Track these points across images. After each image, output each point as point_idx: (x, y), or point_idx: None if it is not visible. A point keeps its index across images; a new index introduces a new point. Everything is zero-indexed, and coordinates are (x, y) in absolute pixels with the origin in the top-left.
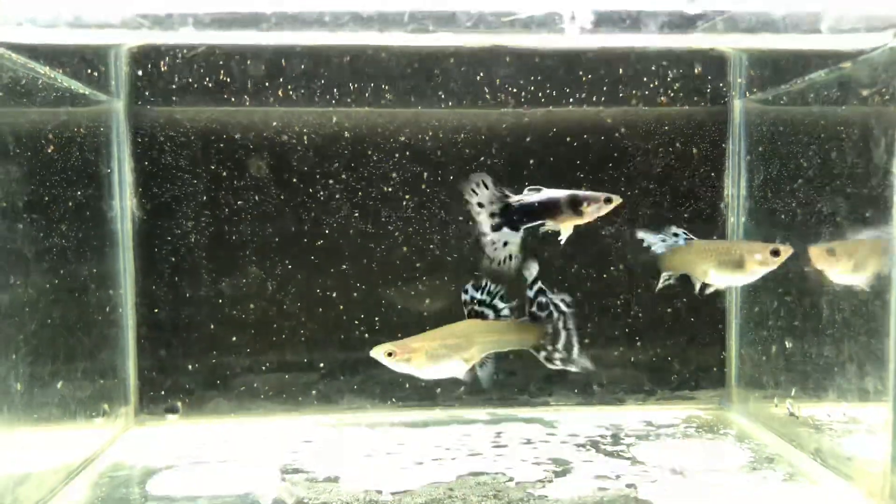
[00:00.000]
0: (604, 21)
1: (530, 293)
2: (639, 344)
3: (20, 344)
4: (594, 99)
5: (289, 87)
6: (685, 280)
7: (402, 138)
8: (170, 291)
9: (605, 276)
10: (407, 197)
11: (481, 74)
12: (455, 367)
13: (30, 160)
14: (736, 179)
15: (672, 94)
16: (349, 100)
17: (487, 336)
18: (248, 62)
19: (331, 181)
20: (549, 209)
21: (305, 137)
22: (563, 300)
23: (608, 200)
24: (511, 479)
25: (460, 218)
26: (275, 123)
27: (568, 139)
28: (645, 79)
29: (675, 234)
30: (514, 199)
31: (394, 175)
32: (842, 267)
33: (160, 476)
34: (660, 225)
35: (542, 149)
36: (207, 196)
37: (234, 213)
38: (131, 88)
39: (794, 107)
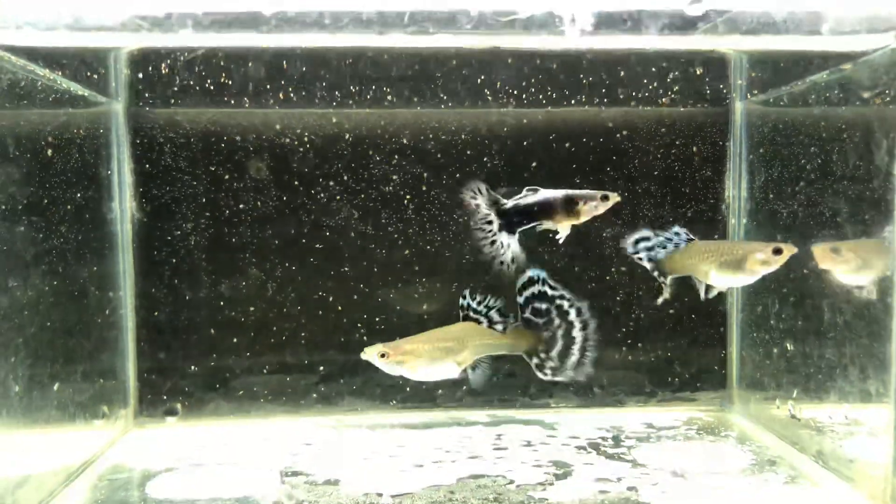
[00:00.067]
0: (604, 23)
1: (520, 299)
2: (639, 345)
3: (19, 346)
4: (594, 100)
5: (289, 88)
6: (686, 283)
7: (402, 140)
8: (169, 293)
9: (605, 277)
10: (407, 199)
11: (482, 76)
12: (448, 370)
13: (29, 162)
14: (737, 181)
15: (673, 96)
16: (349, 101)
17: (480, 339)
18: (249, 64)
19: (331, 183)
20: (546, 210)
21: (305, 139)
22: (577, 309)
23: (605, 198)
24: (511, 482)
25: (461, 220)
26: (274, 125)
27: (569, 141)
28: (646, 80)
29: (677, 234)
30: (510, 203)
31: (394, 177)
32: (847, 266)
33: (160, 478)
34: (660, 226)
35: (543, 150)
36: (207, 198)
37: (233, 215)
38: (131, 90)
39: (796, 108)
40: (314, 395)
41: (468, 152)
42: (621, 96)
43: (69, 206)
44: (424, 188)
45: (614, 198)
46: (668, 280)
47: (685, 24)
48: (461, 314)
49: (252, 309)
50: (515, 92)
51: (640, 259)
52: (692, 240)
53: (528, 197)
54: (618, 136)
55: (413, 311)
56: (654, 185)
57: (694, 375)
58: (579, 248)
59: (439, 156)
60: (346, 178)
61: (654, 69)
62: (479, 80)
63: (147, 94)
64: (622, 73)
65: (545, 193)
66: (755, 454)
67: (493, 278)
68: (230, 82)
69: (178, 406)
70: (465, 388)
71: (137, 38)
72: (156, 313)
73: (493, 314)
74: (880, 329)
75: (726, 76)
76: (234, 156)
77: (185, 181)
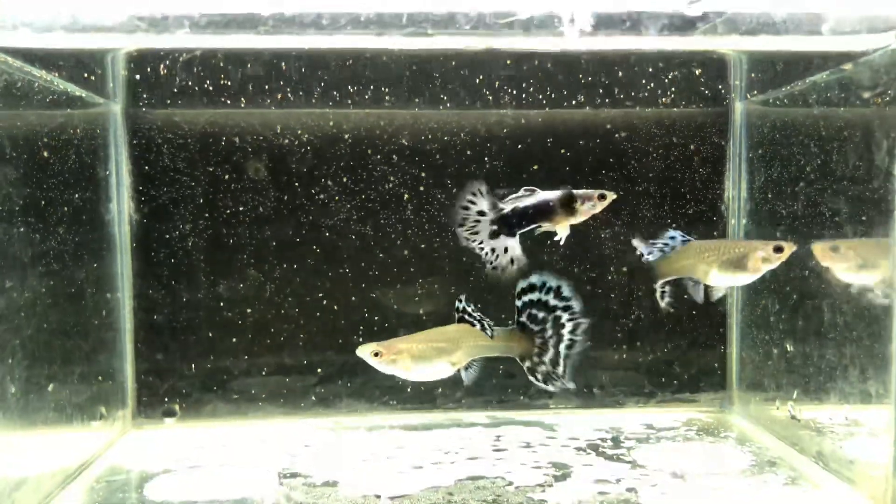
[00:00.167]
0: (603, 23)
1: (518, 303)
2: (639, 346)
3: (17, 348)
4: (594, 101)
5: (287, 89)
6: (680, 285)
7: (401, 141)
8: (167, 294)
9: (605, 277)
10: (406, 200)
11: (482, 77)
12: (441, 370)
13: (26, 163)
14: (737, 181)
15: (673, 97)
16: (347, 102)
17: (474, 341)
18: (247, 65)
19: (329, 184)
20: (543, 211)
21: (303, 140)
22: (575, 324)
23: (602, 197)
24: (510, 483)
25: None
26: (272, 126)
27: (568, 141)
28: (645, 81)
29: (672, 238)
30: (508, 205)
31: (392, 178)
32: (847, 264)
33: (158, 480)
34: (660, 226)
35: (542, 151)
36: (205, 199)
37: (232, 216)
38: (129, 91)
39: (795, 108)
40: (312, 396)
41: (467, 153)
42: (621, 97)
43: (67, 208)
44: (423, 189)
45: (611, 196)
46: (661, 284)
47: (684, 25)
48: (456, 316)
49: (250, 310)
50: (514, 93)
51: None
52: (688, 241)
53: (525, 198)
54: (617, 136)
55: (411, 312)
56: (653, 186)
57: (694, 376)
58: (578, 248)
59: (438, 156)
60: (344, 179)
61: (653, 70)
62: (477, 81)
63: (145, 95)
64: (622, 74)
65: (543, 195)
66: (755, 455)
67: (490, 280)
68: (228, 83)
69: (177, 407)
70: (464, 389)
71: (135, 39)
72: (154, 314)
73: (486, 323)
74: (880, 330)
75: (726, 76)
76: (233, 157)
77: (183, 182)
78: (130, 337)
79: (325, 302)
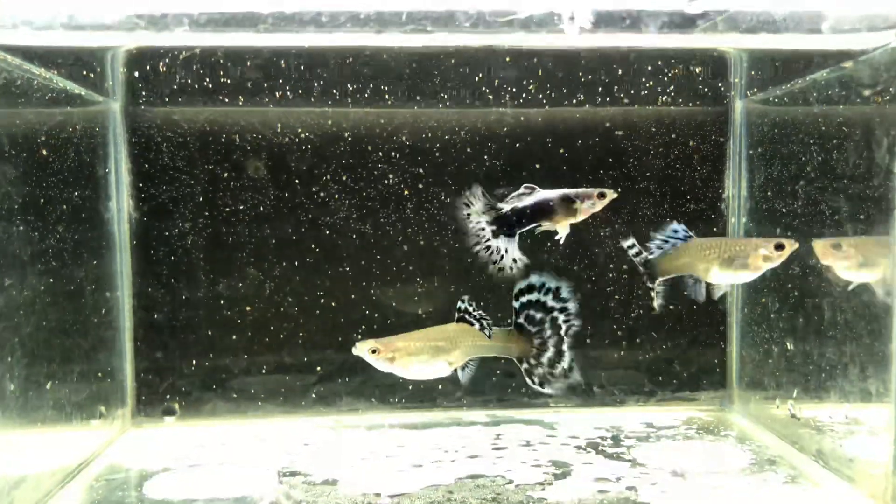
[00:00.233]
0: (603, 21)
1: (516, 304)
2: (639, 345)
3: (16, 346)
4: (594, 100)
5: (286, 87)
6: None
7: (401, 139)
8: (167, 293)
9: (605, 276)
10: (405, 198)
11: (481, 75)
12: (439, 369)
13: (26, 162)
14: (737, 180)
15: (673, 95)
16: (347, 100)
17: (472, 341)
18: (246, 63)
19: (328, 182)
20: (543, 210)
21: (303, 138)
22: (570, 326)
23: (601, 196)
24: (510, 482)
25: (456, 223)
26: (272, 124)
27: (568, 140)
28: (645, 79)
29: (675, 231)
30: (507, 206)
31: (392, 176)
32: (848, 262)
33: (157, 478)
34: (660, 225)
35: (542, 149)
36: (204, 197)
37: (231, 214)
38: (128, 89)
39: (796, 107)
40: (312, 394)
41: (467, 151)
42: (621, 95)
43: (66, 206)
44: (423, 187)
45: (611, 195)
46: (658, 283)
47: (685, 23)
48: (457, 316)
49: (250, 308)
50: (514, 91)
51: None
52: (690, 237)
53: (525, 198)
54: (617, 134)
55: (411, 311)
56: (653, 184)
57: (694, 375)
58: (578, 247)
59: (438, 155)
60: (344, 177)
61: (654, 68)
62: (477, 79)
63: (144, 94)
64: (622, 73)
65: (542, 194)
66: (755, 454)
67: (489, 281)
68: (228, 81)
69: (176, 406)
70: (464, 387)
71: (134, 37)
72: (153, 313)
73: (486, 323)
74: (880, 328)
75: (726, 75)
76: (232, 155)
77: (183, 180)
78: (130, 335)
79: (324, 300)
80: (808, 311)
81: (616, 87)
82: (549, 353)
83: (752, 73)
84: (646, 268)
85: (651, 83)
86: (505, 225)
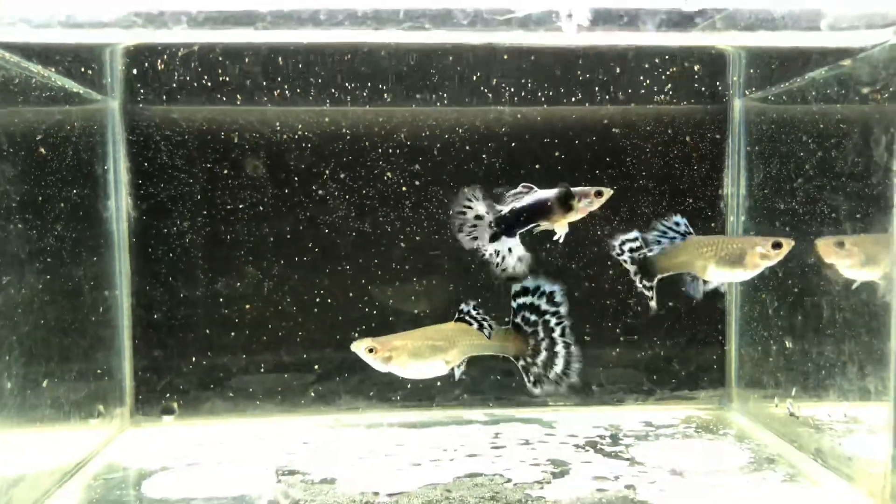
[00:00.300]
0: (601, 19)
1: (514, 304)
2: (638, 343)
3: (14, 345)
4: (592, 98)
5: (284, 85)
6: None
7: (400, 137)
8: (165, 292)
9: (603, 274)
10: (404, 196)
11: (479, 73)
12: (436, 368)
13: (24, 160)
14: (735, 178)
15: (671, 94)
16: (346, 99)
17: (470, 340)
18: (244, 61)
19: (327, 180)
20: (541, 210)
21: (301, 137)
22: (563, 329)
23: (599, 194)
24: (509, 481)
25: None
26: (271, 123)
27: (567, 138)
28: (644, 77)
29: (676, 224)
30: (505, 206)
31: (390, 174)
32: (852, 260)
33: (155, 477)
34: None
35: (541, 148)
36: (203, 196)
37: (230, 212)
38: (126, 87)
39: (794, 105)
40: (311, 393)
41: (466, 149)
42: (619, 94)
43: (64, 204)
44: (421, 186)
45: (608, 193)
46: (654, 283)
47: (683, 21)
48: (456, 315)
49: (248, 307)
50: (512, 89)
51: (626, 262)
52: (690, 233)
53: (523, 198)
54: (616, 133)
55: (410, 310)
56: (652, 183)
57: (692, 373)
58: (577, 245)
59: (436, 153)
60: (342, 175)
61: (652, 67)
62: (475, 78)
63: (143, 92)
64: (620, 71)
65: (539, 193)
66: (754, 452)
67: (488, 280)
68: (226, 79)
69: (175, 405)
70: (462, 386)
71: (132, 34)
72: (152, 312)
73: (486, 325)
74: (879, 326)
75: (725, 73)
76: (231, 153)
77: (181, 179)
78: (128, 334)
79: (323, 299)
80: (807, 310)
81: (614, 85)
82: (545, 353)
83: (751, 71)
84: (642, 265)
85: (650, 82)
86: (504, 226)
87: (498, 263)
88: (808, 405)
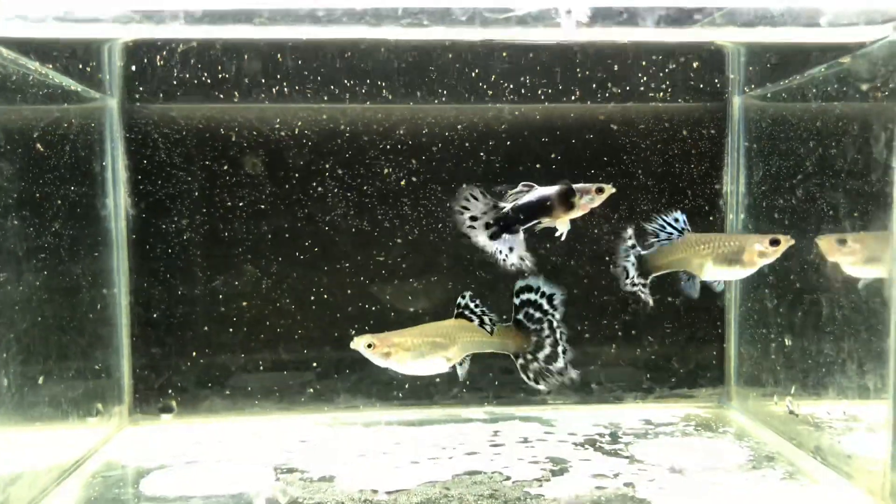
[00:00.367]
0: (600, 15)
1: (516, 301)
2: (637, 341)
3: (12, 342)
4: (592, 95)
5: (283, 83)
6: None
7: (399, 135)
8: (164, 290)
9: (603, 272)
10: (402, 193)
11: (478, 70)
12: (436, 365)
13: (21, 158)
14: (735, 175)
15: (671, 91)
16: (345, 96)
17: (470, 337)
18: (243, 58)
19: (326, 178)
20: (543, 207)
21: (300, 134)
22: (560, 332)
23: (600, 191)
24: (508, 478)
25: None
26: (269, 120)
27: (566, 136)
28: (643, 75)
29: (675, 220)
30: (507, 204)
31: (389, 172)
32: (854, 258)
33: (154, 476)
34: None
35: (540, 145)
36: (202, 193)
37: (228, 210)
38: (125, 85)
39: (794, 102)
40: (309, 391)
41: (465, 146)
42: (618, 91)
43: (62, 202)
44: (420, 183)
45: (609, 190)
46: (649, 281)
47: (682, 17)
48: (456, 311)
49: (247, 305)
50: (512, 86)
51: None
52: (687, 230)
53: (523, 196)
54: (615, 130)
55: (409, 308)
56: (651, 180)
57: (692, 372)
58: (576, 243)
59: (435, 150)
60: (341, 173)
61: (651, 64)
62: (474, 75)
63: (141, 89)
64: (619, 69)
65: (540, 191)
66: (753, 450)
67: (488, 277)
68: (225, 77)
69: (173, 403)
70: (461, 384)
71: (130, 31)
72: (150, 310)
73: (486, 319)
74: (878, 324)
75: (724, 70)
76: (229, 151)
77: (180, 177)
78: (127, 332)
79: (321, 297)
80: (806, 308)
81: (614, 83)
82: (546, 350)
83: (750, 68)
84: (639, 264)
85: (649, 79)
86: (506, 224)
87: (503, 261)
88: (808, 403)
